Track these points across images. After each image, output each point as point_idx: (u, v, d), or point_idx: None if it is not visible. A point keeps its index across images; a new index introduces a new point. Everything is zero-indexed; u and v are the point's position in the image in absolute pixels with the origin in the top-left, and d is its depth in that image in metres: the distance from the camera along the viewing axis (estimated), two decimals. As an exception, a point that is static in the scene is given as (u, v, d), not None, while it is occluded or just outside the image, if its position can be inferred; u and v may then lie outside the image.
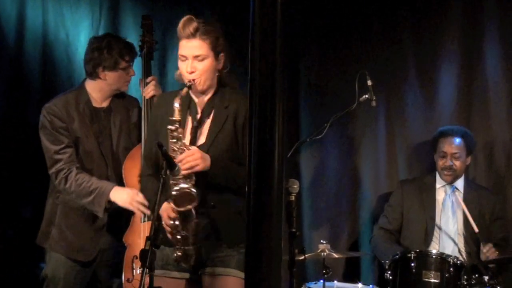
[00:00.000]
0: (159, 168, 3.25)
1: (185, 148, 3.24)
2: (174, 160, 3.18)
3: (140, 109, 4.18)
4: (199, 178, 3.25)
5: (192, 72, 3.31)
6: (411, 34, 5.23)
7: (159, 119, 3.39)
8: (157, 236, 3.04)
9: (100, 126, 4.01)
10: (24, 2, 4.82)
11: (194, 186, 3.20)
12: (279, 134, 2.41)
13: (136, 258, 3.79)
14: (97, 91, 4.02)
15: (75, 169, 3.88)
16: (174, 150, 3.23)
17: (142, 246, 3.66)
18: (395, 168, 5.25)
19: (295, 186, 3.39)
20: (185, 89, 3.29)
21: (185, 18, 3.33)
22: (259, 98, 2.39)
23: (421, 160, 5.18)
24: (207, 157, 3.27)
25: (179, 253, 3.24)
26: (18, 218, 4.66)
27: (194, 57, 3.31)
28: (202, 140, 3.36)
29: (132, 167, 3.96)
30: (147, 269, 2.97)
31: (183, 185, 3.19)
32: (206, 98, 3.41)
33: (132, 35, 4.98)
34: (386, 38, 5.26)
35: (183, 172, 3.19)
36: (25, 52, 4.81)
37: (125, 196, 3.83)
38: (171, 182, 3.21)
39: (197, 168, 3.22)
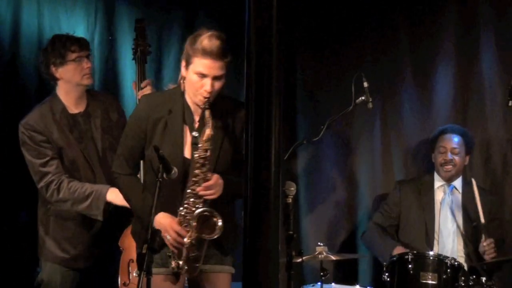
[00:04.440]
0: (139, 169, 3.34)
1: (208, 175, 3.26)
2: (196, 186, 3.24)
3: (119, 105, 4.17)
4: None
5: (211, 92, 3.27)
6: (407, 35, 5.24)
7: (151, 121, 3.34)
8: (154, 239, 3.04)
9: (80, 132, 3.94)
10: (19, 6, 4.81)
11: (219, 217, 3.25)
12: (276, 137, 2.41)
13: (132, 261, 3.78)
14: (65, 94, 3.95)
15: (65, 178, 3.85)
16: (196, 175, 3.25)
17: (137, 249, 3.67)
18: (391, 169, 5.25)
19: (292, 189, 3.40)
20: (207, 112, 3.25)
21: (208, 34, 3.26)
22: (255, 100, 2.39)
23: (417, 162, 5.19)
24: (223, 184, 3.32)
25: (181, 263, 3.30)
26: (14, 222, 4.64)
27: (215, 77, 3.27)
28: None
29: None
30: (144, 273, 2.97)
31: (210, 212, 3.26)
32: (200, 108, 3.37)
33: (127, 39, 4.99)
34: (382, 39, 5.26)
35: (205, 197, 3.27)
36: (20, 56, 4.80)
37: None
38: (188, 202, 3.27)
39: (215, 196, 3.28)
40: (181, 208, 3.30)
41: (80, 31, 4.34)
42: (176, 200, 3.32)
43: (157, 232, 3.08)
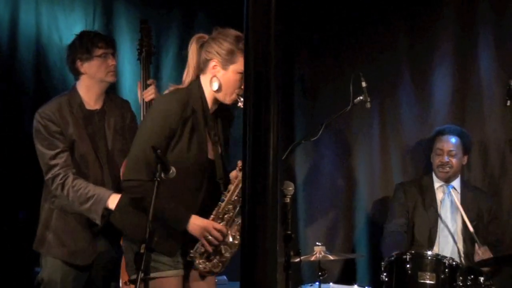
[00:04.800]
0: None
1: None
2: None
3: (132, 111, 4.18)
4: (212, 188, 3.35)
5: None
6: (406, 35, 5.25)
7: (182, 119, 3.28)
8: (151, 239, 3.03)
9: (94, 129, 3.96)
10: (17, 5, 4.80)
11: None
12: (274, 136, 2.41)
13: (134, 261, 3.78)
14: (86, 90, 3.96)
15: (71, 175, 3.84)
16: None
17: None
18: (389, 169, 5.26)
19: (290, 188, 3.40)
20: None
21: None
22: (253, 99, 2.39)
23: (415, 161, 5.20)
24: None
25: (214, 261, 3.32)
26: (13, 222, 4.64)
27: None
28: (218, 149, 3.40)
29: None
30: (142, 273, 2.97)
31: None
32: (214, 108, 3.42)
33: (126, 39, 5.00)
34: (381, 39, 5.27)
35: None
36: (18, 55, 4.79)
37: None
38: (235, 200, 3.30)
39: None
40: (221, 206, 3.30)
41: (78, 31, 4.32)
42: (195, 204, 3.30)
43: (155, 233, 3.07)
